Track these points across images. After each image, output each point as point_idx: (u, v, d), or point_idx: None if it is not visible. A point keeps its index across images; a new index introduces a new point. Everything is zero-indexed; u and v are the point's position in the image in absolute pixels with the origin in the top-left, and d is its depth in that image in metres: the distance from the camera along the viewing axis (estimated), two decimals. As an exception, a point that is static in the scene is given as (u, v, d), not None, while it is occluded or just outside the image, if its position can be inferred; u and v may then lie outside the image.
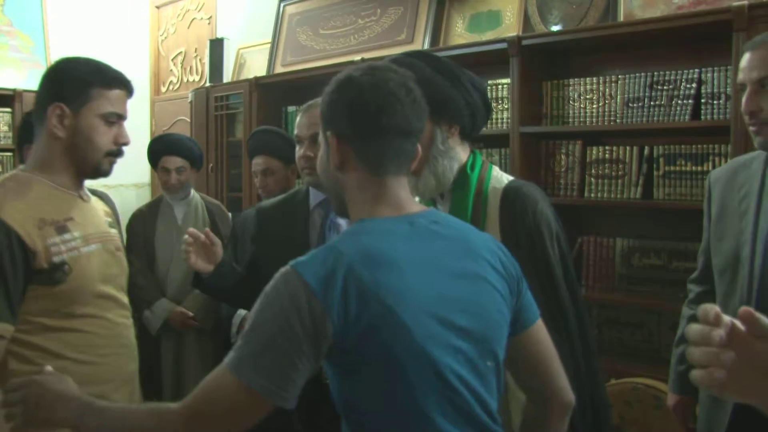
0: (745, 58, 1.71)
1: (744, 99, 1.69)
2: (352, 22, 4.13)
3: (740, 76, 1.73)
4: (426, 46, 3.66)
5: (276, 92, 4.32)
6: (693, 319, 2.10)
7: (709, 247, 1.90)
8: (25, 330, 1.61)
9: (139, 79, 5.87)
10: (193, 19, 5.59)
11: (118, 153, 1.78)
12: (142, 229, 3.23)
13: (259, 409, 1.12)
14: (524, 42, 3.02)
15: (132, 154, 5.60)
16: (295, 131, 2.18)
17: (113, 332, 1.75)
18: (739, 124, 2.41)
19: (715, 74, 2.63)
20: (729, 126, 2.48)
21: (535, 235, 1.66)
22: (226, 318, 2.80)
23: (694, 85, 2.69)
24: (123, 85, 1.77)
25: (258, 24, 4.90)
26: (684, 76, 2.72)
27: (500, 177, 1.77)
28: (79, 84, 1.71)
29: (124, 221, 3.48)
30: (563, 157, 3.00)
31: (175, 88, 5.76)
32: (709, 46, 2.68)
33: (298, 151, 2.15)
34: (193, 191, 3.32)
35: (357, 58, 3.68)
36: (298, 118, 2.19)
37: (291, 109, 4.27)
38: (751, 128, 1.71)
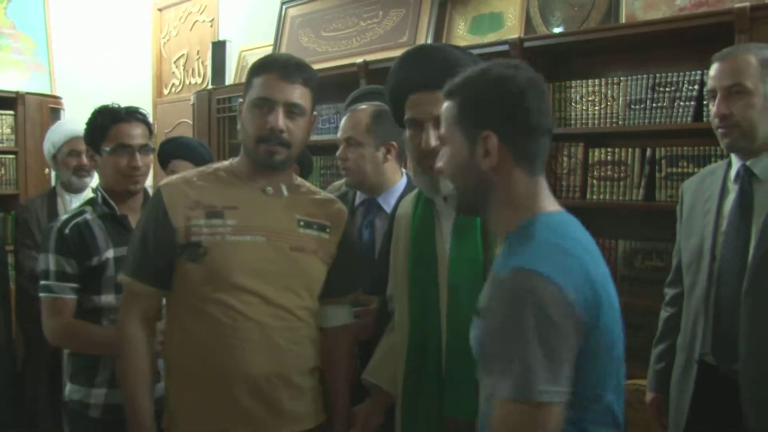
0: (715, 67, 1.96)
1: (715, 104, 1.92)
2: (354, 24, 4.14)
3: (710, 84, 1.96)
4: (428, 48, 3.67)
5: (278, 94, 4.32)
6: (671, 320, 2.16)
7: (680, 248, 2.10)
8: (173, 298, 1.77)
9: (141, 81, 5.90)
10: (195, 22, 5.60)
11: (269, 138, 1.71)
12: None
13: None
14: (526, 44, 3.02)
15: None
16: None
17: (243, 326, 1.69)
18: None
19: (718, 76, 2.63)
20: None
21: None
22: None
23: (696, 86, 2.70)
24: (273, 69, 1.72)
25: (260, 26, 4.91)
26: (686, 78, 2.72)
27: None
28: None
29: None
30: (565, 159, 3.00)
31: (178, 90, 5.78)
32: (711, 47, 2.65)
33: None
34: None
35: (359, 60, 3.68)
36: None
37: (293, 111, 4.27)
38: (720, 131, 1.93)
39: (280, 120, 1.69)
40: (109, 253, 2.08)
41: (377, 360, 1.88)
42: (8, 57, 4.98)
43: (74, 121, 3.20)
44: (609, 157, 2.92)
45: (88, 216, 2.13)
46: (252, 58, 4.93)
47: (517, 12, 3.45)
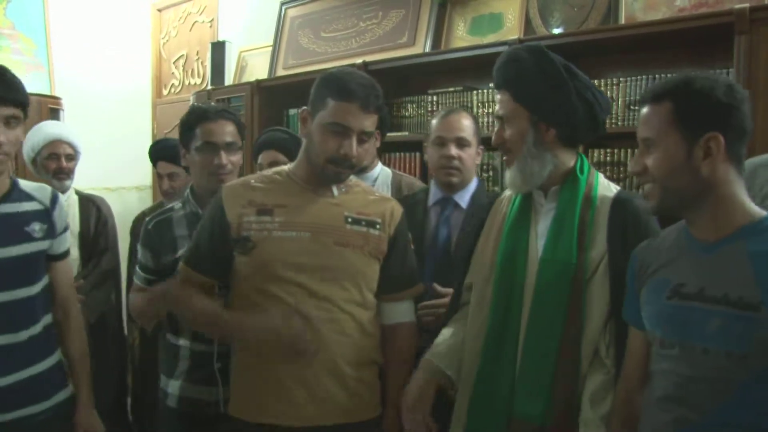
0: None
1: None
2: (354, 24, 4.14)
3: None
4: (427, 49, 3.67)
5: (278, 95, 4.33)
6: None
7: None
8: (232, 287, 1.92)
9: (141, 82, 5.90)
10: (194, 22, 5.60)
11: (343, 163, 1.85)
12: None
13: None
14: (526, 44, 3.01)
15: (132, 157, 5.65)
16: (437, 133, 2.42)
17: None
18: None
19: (721, 75, 2.63)
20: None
21: None
22: None
23: (696, 87, 2.69)
24: (354, 100, 1.82)
25: (259, 27, 4.91)
26: (687, 78, 2.72)
27: (608, 185, 1.80)
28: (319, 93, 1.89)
29: (126, 223, 3.51)
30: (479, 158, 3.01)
31: (177, 90, 5.78)
32: (710, 48, 2.69)
33: (439, 150, 2.39)
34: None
35: (359, 60, 3.68)
36: (436, 121, 2.48)
37: (292, 111, 4.27)
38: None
39: (354, 148, 1.82)
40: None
41: (445, 346, 1.87)
42: (8, 57, 4.98)
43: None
44: (608, 158, 2.91)
45: (174, 214, 2.22)
46: (251, 59, 4.94)
47: (517, 13, 3.45)
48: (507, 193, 1.91)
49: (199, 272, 1.91)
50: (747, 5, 2.41)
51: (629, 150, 2.86)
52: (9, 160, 1.87)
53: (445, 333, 1.92)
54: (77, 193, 3.21)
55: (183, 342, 2.16)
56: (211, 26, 5.43)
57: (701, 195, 1.38)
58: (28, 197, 1.95)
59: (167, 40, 5.90)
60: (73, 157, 3.17)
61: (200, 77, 5.52)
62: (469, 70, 3.49)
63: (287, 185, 1.92)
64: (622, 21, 3.03)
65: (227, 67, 4.86)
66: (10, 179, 1.94)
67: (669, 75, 2.68)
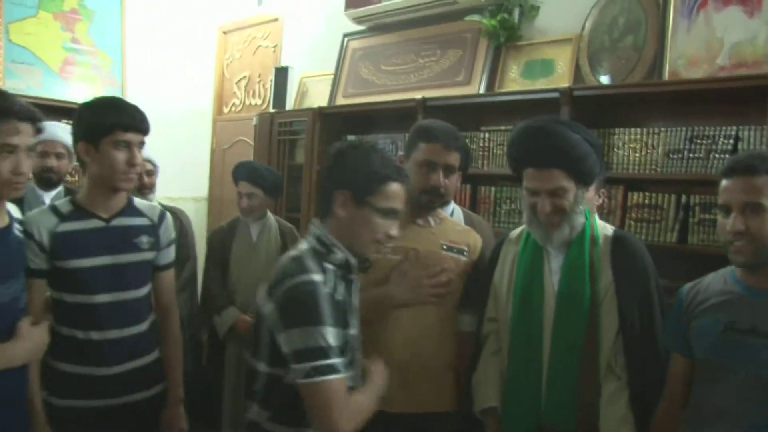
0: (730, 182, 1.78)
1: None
2: (413, 60, 4.44)
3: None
4: (482, 89, 3.95)
5: (337, 121, 4.64)
6: None
7: None
8: None
9: (203, 99, 6.26)
10: (258, 47, 5.95)
11: (433, 193, 2.25)
12: (221, 243, 3.57)
13: None
14: (575, 93, 3.29)
15: (191, 169, 6.01)
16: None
17: (392, 322, 2.22)
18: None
19: (752, 132, 2.88)
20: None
21: (645, 275, 2.03)
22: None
23: (731, 141, 2.94)
24: (438, 140, 2.26)
25: (321, 55, 5.23)
26: (722, 132, 2.96)
27: (604, 225, 2.13)
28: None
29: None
30: (606, 200, 3.25)
31: (238, 110, 6.13)
32: (746, 106, 2.92)
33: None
34: (268, 213, 3.65)
35: (418, 96, 3.98)
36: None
37: (351, 137, 4.57)
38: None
39: (441, 179, 2.20)
40: None
41: (495, 388, 2.16)
42: (87, 72, 5.38)
43: (53, 124, 3.27)
44: (647, 201, 3.16)
45: None
46: (312, 85, 5.27)
47: (568, 60, 3.72)
48: (516, 232, 2.24)
49: None
50: (781, 71, 2.66)
51: (666, 194, 3.10)
52: (133, 182, 2.20)
53: (490, 369, 2.20)
54: (160, 205, 3.54)
55: None
56: (274, 51, 5.77)
57: None
58: (139, 213, 2.25)
59: (231, 62, 6.26)
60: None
61: (261, 98, 5.85)
62: (521, 110, 3.75)
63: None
64: (666, 76, 3.28)
65: (289, 92, 5.18)
66: (126, 197, 2.25)
67: (706, 128, 2.97)
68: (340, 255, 1.78)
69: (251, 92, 6.01)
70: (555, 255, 2.08)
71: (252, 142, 5.32)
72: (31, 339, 1.92)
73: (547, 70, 3.81)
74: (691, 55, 3.22)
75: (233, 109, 6.19)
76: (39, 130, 1.93)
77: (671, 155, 3.10)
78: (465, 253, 2.31)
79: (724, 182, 1.76)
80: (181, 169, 5.85)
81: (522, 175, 2.07)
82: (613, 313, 1.99)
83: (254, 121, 5.16)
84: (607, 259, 2.04)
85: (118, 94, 5.56)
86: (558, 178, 1.97)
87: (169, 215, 2.38)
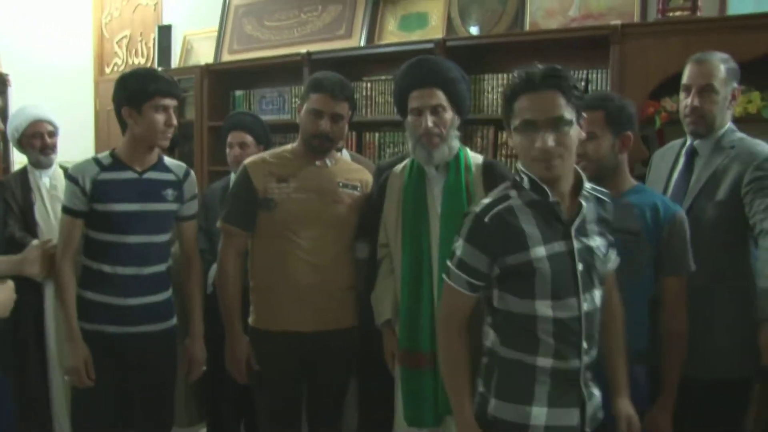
0: (690, 68, 2.36)
1: (690, 97, 2.33)
2: (295, 16, 4.64)
3: (685, 80, 2.36)
4: (363, 42, 4.22)
5: (224, 78, 4.79)
6: None
7: None
8: (256, 236, 2.53)
9: (83, 59, 6.18)
10: (138, 5, 5.93)
11: (322, 137, 2.47)
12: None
13: None
14: (448, 43, 3.62)
15: (76, 131, 5.96)
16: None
17: (298, 253, 2.47)
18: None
19: (599, 75, 3.31)
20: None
21: None
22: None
23: (582, 83, 3.35)
24: (325, 90, 2.46)
25: (204, 12, 5.31)
26: (575, 75, 3.37)
27: (474, 155, 2.46)
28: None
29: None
30: (479, 140, 3.63)
31: (120, 69, 6.09)
32: (593, 52, 3.33)
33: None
34: None
35: (303, 50, 4.19)
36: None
37: (238, 93, 4.74)
38: (688, 119, 2.35)
39: (328, 125, 2.45)
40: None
41: (389, 303, 2.48)
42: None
43: (33, 106, 3.48)
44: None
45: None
46: (196, 43, 5.35)
47: (440, 13, 4.04)
48: (399, 166, 2.54)
49: (236, 226, 2.51)
50: (619, 22, 3.08)
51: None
52: (169, 140, 2.52)
53: (385, 287, 2.51)
54: (61, 167, 3.60)
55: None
56: (155, 9, 5.78)
57: None
58: (167, 170, 2.58)
59: (109, 20, 6.19)
60: (53, 133, 3.54)
61: (144, 57, 5.86)
62: (399, 61, 4.00)
63: (294, 160, 2.54)
64: (527, 26, 3.67)
65: (173, 50, 5.24)
66: (158, 155, 2.56)
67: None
68: None
69: (133, 51, 6.00)
70: (436, 182, 2.40)
71: (138, 101, 5.35)
72: (199, 356, 2.61)
73: (421, 22, 4.12)
74: (547, 8, 3.63)
75: (115, 69, 6.15)
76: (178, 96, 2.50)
77: (533, 97, 3.48)
78: (358, 189, 2.59)
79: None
80: (64, 131, 5.78)
81: (407, 104, 2.37)
82: None
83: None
84: (480, 182, 2.39)
85: (-8, 57, 5.43)
86: (438, 96, 2.32)
87: (192, 173, 2.68)
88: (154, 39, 5.40)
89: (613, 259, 1.90)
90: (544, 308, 1.72)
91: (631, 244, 2.05)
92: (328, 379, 2.58)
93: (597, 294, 1.78)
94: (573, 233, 1.74)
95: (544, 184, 1.71)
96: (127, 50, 6.05)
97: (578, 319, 1.72)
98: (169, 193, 2.54)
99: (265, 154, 2.63)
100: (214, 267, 3.09)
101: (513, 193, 1.78)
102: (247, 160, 2.60)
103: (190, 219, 2.65)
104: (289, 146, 2.64)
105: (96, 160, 2.50)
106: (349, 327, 2.58)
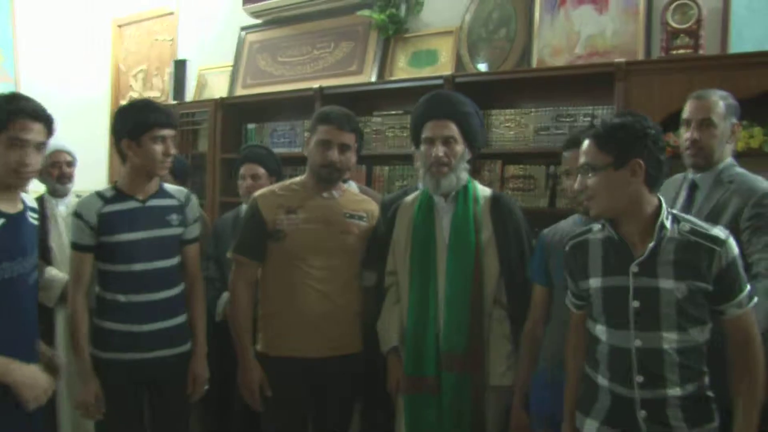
0: (690, 104, 2.44)
1: (690, 131, 2.40)
2: (308, 52, 4.75)
3: (686, 115, 2.44)
4: (374, 78, 4.32)
5: (237, 111, 4.90)
6: None
7: None
8: (266, 266, 2.63)
9: (100, 92, 6.32)
10: (155, 40, 6.08)
11: (330, 167, 2.58)
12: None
13: None
14: (457, 80, 3.71)
15: (91, 161, 6.07)
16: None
17: (307, 282, 2.57)
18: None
19: (605, 111, 3.37)
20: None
21: (519, 227, 2.52)
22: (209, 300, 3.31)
23: (589, 118, 3.42)
24: (332, 122, 2.59)
25: (219, 48, 5.43)
26: (581, 111, 3.46)
27: (483, 188, 2.58)
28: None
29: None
30: (487, 173, 3.69)
31: (135, 102, 6.22)
32: (599, 89, 3.41)
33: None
34: None
35: (315, 85, 4.30)
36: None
37: (251, 126, 4.84)
38: (688, 151, 2.41)
39: (336, 155, 2.53)
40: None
41: (395, 331, 2.56)
42: (-22, 69, 5.37)
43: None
44: (521, 172, 3.63)
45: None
46: (210, 77, 5.48)
47: (450, 50, 4.14)
48: (410, 198, 2.66)
49: (246, 256, 2.61)
50: (624, 60, 3.17)
51: (537, 166, 3.57)
52: (165, 169, 2.59)
53: (391, 316, 2.59)
54: (77, 195, 3.68)
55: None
56: (171, 44, 5.93)
57: None
58: (169, 195, 2.67)
59: (126, 55, 6.34)
60: (72, 163, 3.65)
61: (159, 91, 5.99)
62: (409, 96, 4.12)
63: (302, 192, 2.65)
64: (534, 63, 3.75)
65: (188, 83, 5.37)
66: (158, 183, 2.65)
67: (569, 108, 3.45)
68: None
69: (149, 85, 6.14)
70: (445, 213, 2.50)
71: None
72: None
73: (431, 59, 4.22)
74: (554, 46, 3.71)
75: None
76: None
77: (540, 132, 3.57)
78: (365, 219, 2.68)
79: (565, 154, 2.27)
80: (80, 162, 5.89)
81: (421, 134, 2.50)
82: (495, 259, 2.47)
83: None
84: (487, 215, 2.50)
85: (11, 89, 5.57)
86: (451, 128, 2.46)
87: (194, 197, 2.76)
88: (169, 73, 5.53)
89: (736, 305, 1.81)
90: (600, 332, 1.91)
91: None
92: (334, 405, 2.63)
93: (665, 335, 1.80)
94: (631, 270, 1.84)
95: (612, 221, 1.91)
96: (143, 83, 6.19)
97: (629, 351, 1.83)
98: (174, 217, 2.61)
99: (274, 187, 2.74)
100: (224, 295, 3.16)
101: (596, 227, 1.98)
102: (257, 193, 2.71)
103: (193, 242, 2.71)
104: (297, 179, 2.74)
105: (99, 194, 2.57)
106: (355, 353, 2.64)
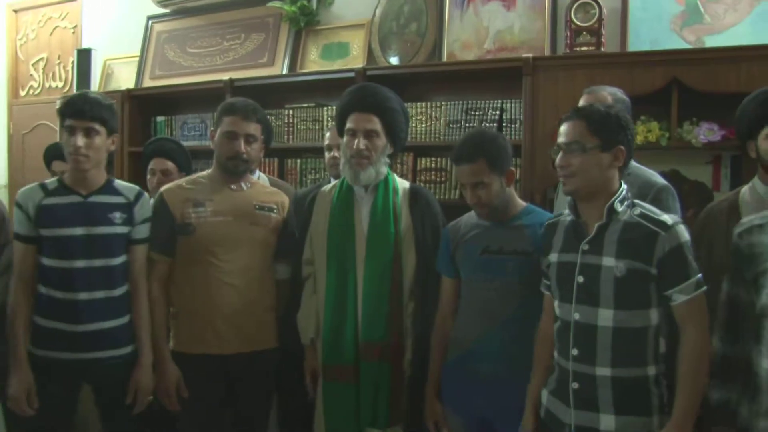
0: (584, 99, 2.53)
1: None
2: (218, 43, 4.67)
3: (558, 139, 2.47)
4: (285, 70, 4.29)
5: (145, 103, 4.77)
6: None
7: None
8: (177, 261, 2.57)
9: (-5, 81, 6.03)
10: (56, 27, 5.83)
11: (237, 158, 2.55)
12: None
13: None
14: (369, 72, 3.73)
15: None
16: None
17: (218, 277, 2.52)
18: (527, 144, 3.27)
19: (513, 105, 3.47)
20: (521, 144, 3.32)
21: (436, 219, 2.56)
22: None
23: (498, 111, 3.52)
24: (237, 113, 2.56)
25: (125, 37, 5.27)
26: (491, 105, 3.54)
27: (401, 180, 2.61)
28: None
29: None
30: (399, 165, 3.73)
31: (36, 92, 5.97)
32: (508, 82, 3.50)
33: None
34: None
35: (226, 77, 4.23)
36: None
37: (160, 119, 4.72)
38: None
39: (242, 146, 2.50)
40: None
41: (313, 322, 2.56)
42: None
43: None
44: (433, 165, 3.69)
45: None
46: (117, 67, 5.31)
47: (361, 43, 4.16)
48: (328, 186, 2.67)
49: (160, 254, 2.55)
50: (531, 55, 3.27)
51: (448, 159, 3.62)
52: (89, 163, 2.41)
53: (308, 307, 2.59)
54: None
55: None
56: (73, 32, 5.70)
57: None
58: (116, 192, 2.51)
59: (24, 42, 6.06)
60: None
61: (62, 81, 5.76)
62: (321, 89, 4.13)
63: (210, 185, 2.60)
64: (445, 57, 3.82)
65: (93, 74, 5.18)
66: (107, 178, 2.51)
67: (478, 101, 3.53)
68: None
69: (50, 74, 5.89)
70: (364, 203, 2.52)
71: (56, 126, 5.25)
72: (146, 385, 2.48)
73: (343, 52, 4.23)
74: (464, 40, 3.79)
75: (31, 92, 6.02)
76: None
77: (451, 125, 3.64)
78: (275, 211, 2.65)
79: (455, 167, 2.30)
80: (-23, 155, 5.65)
81: (345, 125, 2.50)
82: (412, 250, 2.50)
83: (58, 105, 5.08)
84: (406, 206, 2.54)
85: None
86: (374, 122, 2.46)
87: (146, 195, 2.61)
88: (72, 62, 5.32)
89: (679, 291, 1.84)
90: (556, 307, 2.02)
91: (526, 264, 2.21)
92: (250, 401, 2.61)
93: (601, 311, 1.88)
94: (580, 248, 1.94)
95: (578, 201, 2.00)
96: (44, 73, 5.93)
97: (569, 324, 1.94)
98: (117, 216, 2.47)
99: (181, 181, 2.69)
100: None
101: (567, 212, 2.07)
102: (163, 188, 2.66)
103: (140, 243, 2.55)
104: (204, 172, 2.69)
105: (42, 186, 2.47)
106: (270, 348, 2.62)
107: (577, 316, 1.92)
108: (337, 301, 2.47)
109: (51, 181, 2.50)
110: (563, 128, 1.99)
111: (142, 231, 2.55)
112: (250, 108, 2.57)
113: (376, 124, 2.47)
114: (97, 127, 2.37)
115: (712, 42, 3.27)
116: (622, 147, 1.93)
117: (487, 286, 2.25)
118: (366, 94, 2.53)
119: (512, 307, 2.21)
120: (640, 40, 3.34)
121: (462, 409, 2.28)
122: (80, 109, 2.35)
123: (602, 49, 3.30)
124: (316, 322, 2.54)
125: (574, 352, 1.91)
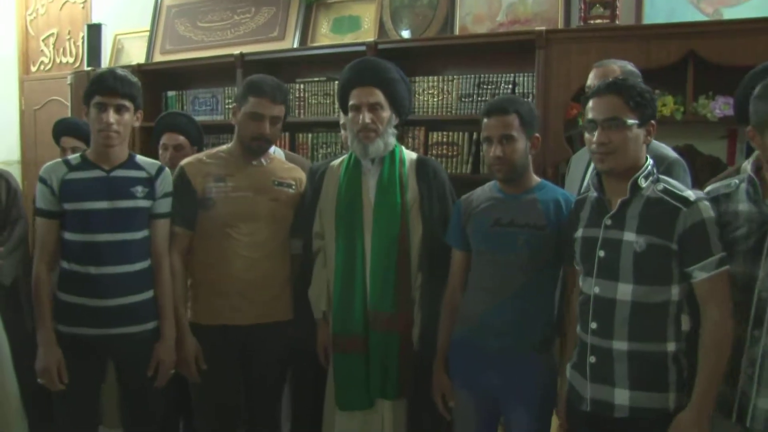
0: (594, 72, 2.55)
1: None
2: (229, 17, 4.65)
3: (590, 82, 2.54)
4: (296, 44, 4.26)
5: (156, 78, 4.74)
6: None
7: None
8: (197, 234, 2.60)
9: (6, 57, 6.02)
10: (65, 2, 5.82)
11: (261, 140, 2.57)
12: None
13: None
14: (380, 46, 3.70)
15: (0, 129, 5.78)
16: None
17: (236, 249, 2.56)
18: (540, 118, 3.23)
19: (526, 78, 3.44)
20: (534, 119, 3.29)
21: (443, 189, 2.56)
22: None
23: (510, 85, 3.49)
24: (264, 94, 2.54)
25: (134, 11, 5.26)
26: (503, 78, 3.51)
27: (409, 152, 2.62)
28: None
29: None
30: (410, 140, 3.72)
31: (47, 68, 5.97)
32: (521, 56, 3.47)
33: None
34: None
35: (236, 51, 4.21)
36: None
37: (171, 94, 4.71)
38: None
39: (267, 128, 2.52)
40: None
41: (324, 296, 2.58)
42: None
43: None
44: (445, 139, 3.66)
45: None
46: (127, 42, 5.29)
47: (372, 16, 4.12)
48: (337, 161, 2.67)
49: (185, 227, 2.58)
50: (544, 28, 3.23)
51: (460, 133, 3.62)
52: (119, 138, 2.44)
53: (319, 281, 2.61)
54: (-8, 164, 3.53)
55: None
56: (83, 7, 5.68)
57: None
58: (138, 167, 2.53)
59: (35, 17, 6.05)
60: None
61: (73, 56, 5.76)
62: (332, 63, 4.10)
63: (230, 160, 2.62)
64: (457, 30, 3.78)
65: (103, 49, 5.16)
66: (129, 153, 2.53)
67: (491, 75, 3.49)
68: None
69: (61, 50, 5.88)
70: (372, 175, 2.52)
71: (67, 102, 5.25)
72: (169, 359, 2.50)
73: (354, 25, 4.20)
74: (476, 13, 3.75)
75: (42, 67, 6.02)
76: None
77: (463, 99, 3.61)
78: (293, 187, 2.68)
79: (485, 120, 2.25)
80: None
81: (348, 101, 2.50)
82: (419, 219, 2.51)
83: (69, 80, 5.10)
84: (413, 177, 2.53)
85: None
86: (377, 95, 2.46)
87: (167, 170, 2.61)
88: (83, 38, 5.31)
89: (700, 268, 1.81)
90: (580, 281, 2.03)
91: (536, 238, 2.19)
92: (265, 373, 2.64)
93: (620, 286, 1.88)
94: (603, 223, 1.94)
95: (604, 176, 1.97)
96: (54, 49, 5.93)
97: (589, 297, 1.94)
98: (139, 189, 2.49)
99: (201, 155, 2.69)
100: None
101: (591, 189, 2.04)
102: (184, 162, 2.66)
103: (161, 217, 2.57)
104: (224, 147, 2.70)
105: (65, 161, 2.50)
106: (285, 320, 2.65)
107: (597, 289, 1.92)
108: (346, 272, 2.48)
109: (74, 156, 2.53)
110: (596, 103, 1.93)
111: (164, 205, 2.56)
112: (277, 90, 2.57)
113: (378, 96, 2.47)
114: (127, 103, 2.39)
115: (730, 14, 3.22)
116: (653, 122, 1.92)
117: (496, 259, 2.23)
118: (365, 68, 2.53)
119: (521, 281, 2.19)
120: (655, 12, 3.29)
121: (469, 382, 2.28)
122: (112, 86, 2.35)
123: (617, 22, 3.25)
124: (327, 295, 2.55)
125: (593, 325, 1.92)
